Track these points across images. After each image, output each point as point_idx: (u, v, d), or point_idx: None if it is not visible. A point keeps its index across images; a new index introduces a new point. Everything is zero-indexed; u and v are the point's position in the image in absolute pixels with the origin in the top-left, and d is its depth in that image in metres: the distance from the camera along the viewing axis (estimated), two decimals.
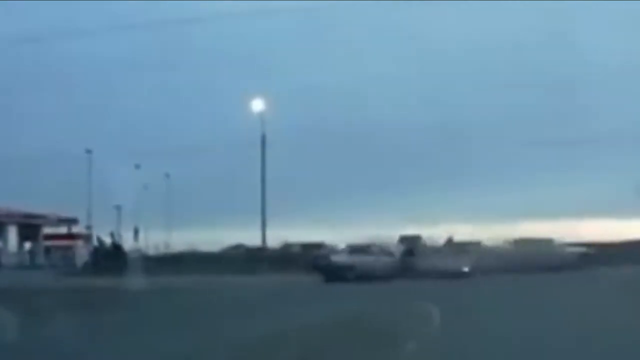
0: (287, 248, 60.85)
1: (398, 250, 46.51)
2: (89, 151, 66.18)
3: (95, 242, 58.91)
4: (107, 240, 55.41)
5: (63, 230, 74.47)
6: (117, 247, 54.62)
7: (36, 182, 67.49)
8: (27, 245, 73.78)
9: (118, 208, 67.41)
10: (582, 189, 64.82)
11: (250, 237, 59.56)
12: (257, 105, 58.15)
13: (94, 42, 70.55)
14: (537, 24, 71.33)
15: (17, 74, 73.30)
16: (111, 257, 51.69)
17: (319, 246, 58.79)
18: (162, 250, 64.40)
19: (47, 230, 74.19)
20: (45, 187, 66.73)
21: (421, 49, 75.02)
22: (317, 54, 78.08)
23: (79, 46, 70.04)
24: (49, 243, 73.34)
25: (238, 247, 63.21)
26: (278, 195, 60.89)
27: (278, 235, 59.69)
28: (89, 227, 66.69)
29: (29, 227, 71.43)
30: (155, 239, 68.18)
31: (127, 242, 62.58)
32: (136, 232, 67.09)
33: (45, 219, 72.36)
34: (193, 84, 78.97)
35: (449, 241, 48.87)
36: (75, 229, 72.25)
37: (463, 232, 51.22)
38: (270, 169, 58.79)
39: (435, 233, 50.84)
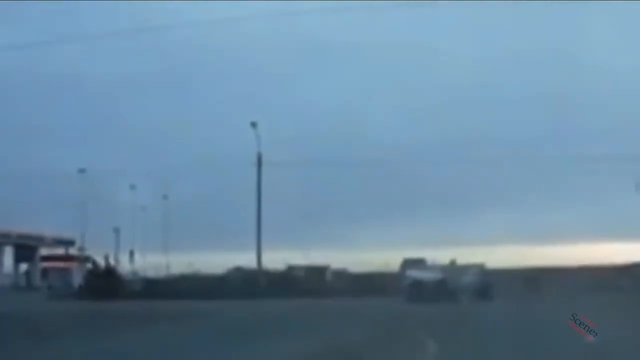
0: (290, 271, 59.01)
1: None
2: (82, 170, 64.80)
3: (89, 265, 57.75)
4: (101, 263, 54.04)
5: (60, 251, 73.64)
6: (110, 270, 53.34)
7: (32, 203, 66.86)
8: (24, 266, 73.09)
9: (116, 230, 67.18)
10: (588, 211, 66.15)
11: (248, 260, 58.30)
12: (255, 126, 56.88)
13: (91, 61, 70.41)
14: (542, 41, 71.69)
15: (16, 92, 73.16)
16: (105, 280, 50.51)
17: (323, 269, 57.58)
18: (160, 273, 62.90)
19: (44, 251, 73.54)
20: (42, 208, 66.41)
21: (421, 67, 75.27)
22: (318, 75, 77.27)
23: (77, 65, 69.63)
24: (46, 264, 72.39)
25: (238, 270, 61.55)
26: (279, 218, 60.38)
27: (279, 258, 58.05)
28: (81, 249, 65.82)
29: (25, 248, 70.89)
30: (153, 262, 66.86)
31: (125, 265, 62.54)
32: (131, 254, 66.30)
33: (41, 240, 71.51)
34: (191, 104, 77.89)
35: (452, 263, 47.67)
36: (73, 251, 71.27)
37: (465, 254, 50.35)
38: (270, 191, 58.24)
39: (438, 256, 49.53)
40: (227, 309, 34.27)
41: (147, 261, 67.29)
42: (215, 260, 59.39)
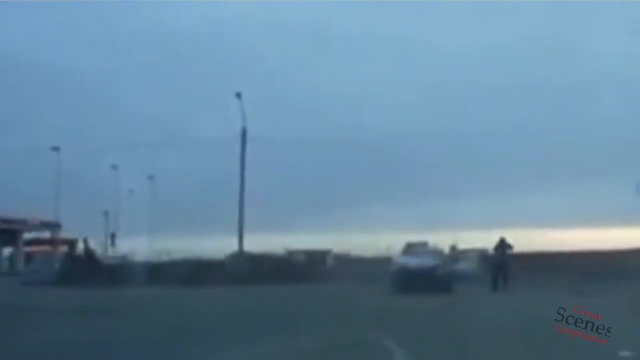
0: (290, 256, 57.08)
1: None
2: (56, 149, 63.80)
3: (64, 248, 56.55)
4: (81, 247, 51.97)
5: (46, 235, 72.43)
6: (90, 255, 50.67)
7: (16, 186, 65.78)
8: (8, 251, 72.36)
9: (106, 214, 66.71)
10: (582, 198, 66.48)
11: (247, 244, 56.24)
12: (240, 97, 54.60)
13: (81, 48, 73.87)
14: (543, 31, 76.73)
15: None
16: (84, 265, 47.79)
17: (324, 254, 56.34)
18: (153, 258, 60.27)
19: (28, 235, 72.65)
20: (26, 191, 65.76)
21: (417, 55, 78.37)
22: (312, 57, 79.56)
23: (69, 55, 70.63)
24: (29, 249, 70.96)
25: (237, 256, 58.99)
26: (277, 202, 61.42)
27: (280, 243, 56.75)
28: (55, 233, 64.49)
29: (9, 233, 69.22)
30: (142, 245, 64.70)
31: (108, 249, 61.55)
32: (113, 237, 65.17)
33: (25, 224, 70.32)
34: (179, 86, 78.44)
35: (453, 248, 46.67)
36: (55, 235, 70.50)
37: (466, 239, 49.63)
38: (271, 172, 58.89)
39: (440, 240, 47.24)
40: (188, 299, 31.06)
41: (137, 245, 64.79)
42: (214, 245, 57.76)
